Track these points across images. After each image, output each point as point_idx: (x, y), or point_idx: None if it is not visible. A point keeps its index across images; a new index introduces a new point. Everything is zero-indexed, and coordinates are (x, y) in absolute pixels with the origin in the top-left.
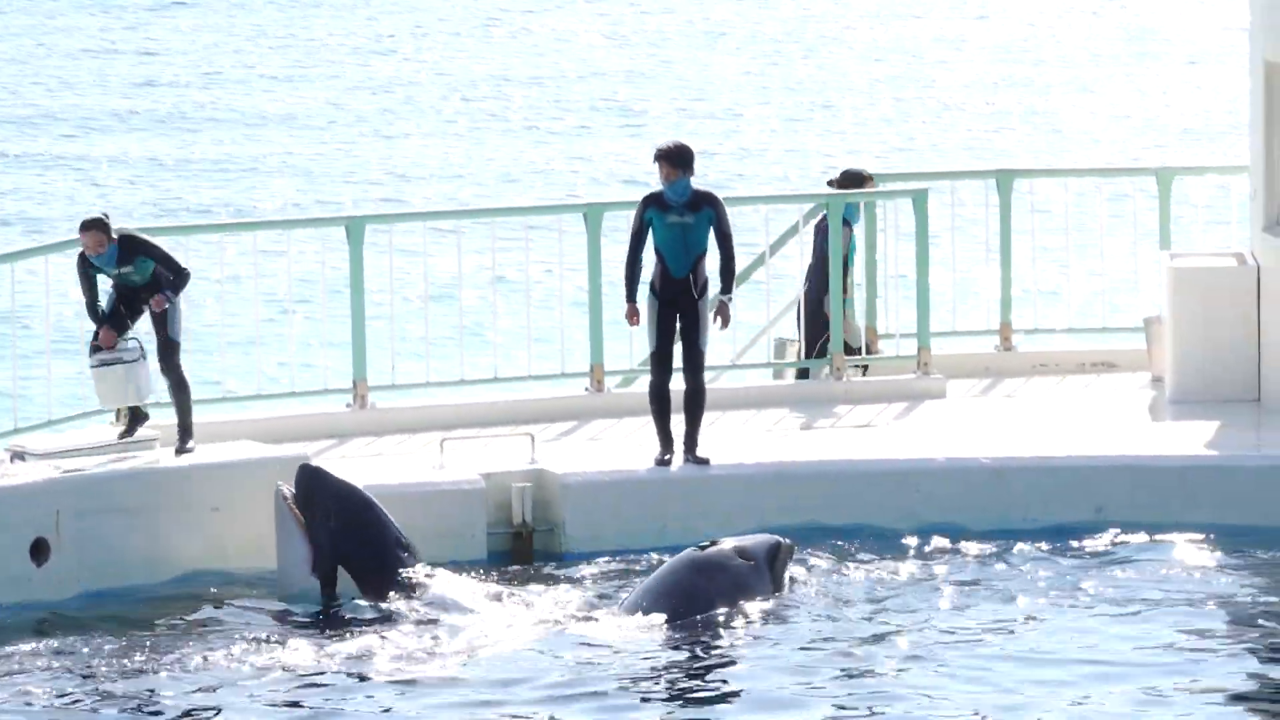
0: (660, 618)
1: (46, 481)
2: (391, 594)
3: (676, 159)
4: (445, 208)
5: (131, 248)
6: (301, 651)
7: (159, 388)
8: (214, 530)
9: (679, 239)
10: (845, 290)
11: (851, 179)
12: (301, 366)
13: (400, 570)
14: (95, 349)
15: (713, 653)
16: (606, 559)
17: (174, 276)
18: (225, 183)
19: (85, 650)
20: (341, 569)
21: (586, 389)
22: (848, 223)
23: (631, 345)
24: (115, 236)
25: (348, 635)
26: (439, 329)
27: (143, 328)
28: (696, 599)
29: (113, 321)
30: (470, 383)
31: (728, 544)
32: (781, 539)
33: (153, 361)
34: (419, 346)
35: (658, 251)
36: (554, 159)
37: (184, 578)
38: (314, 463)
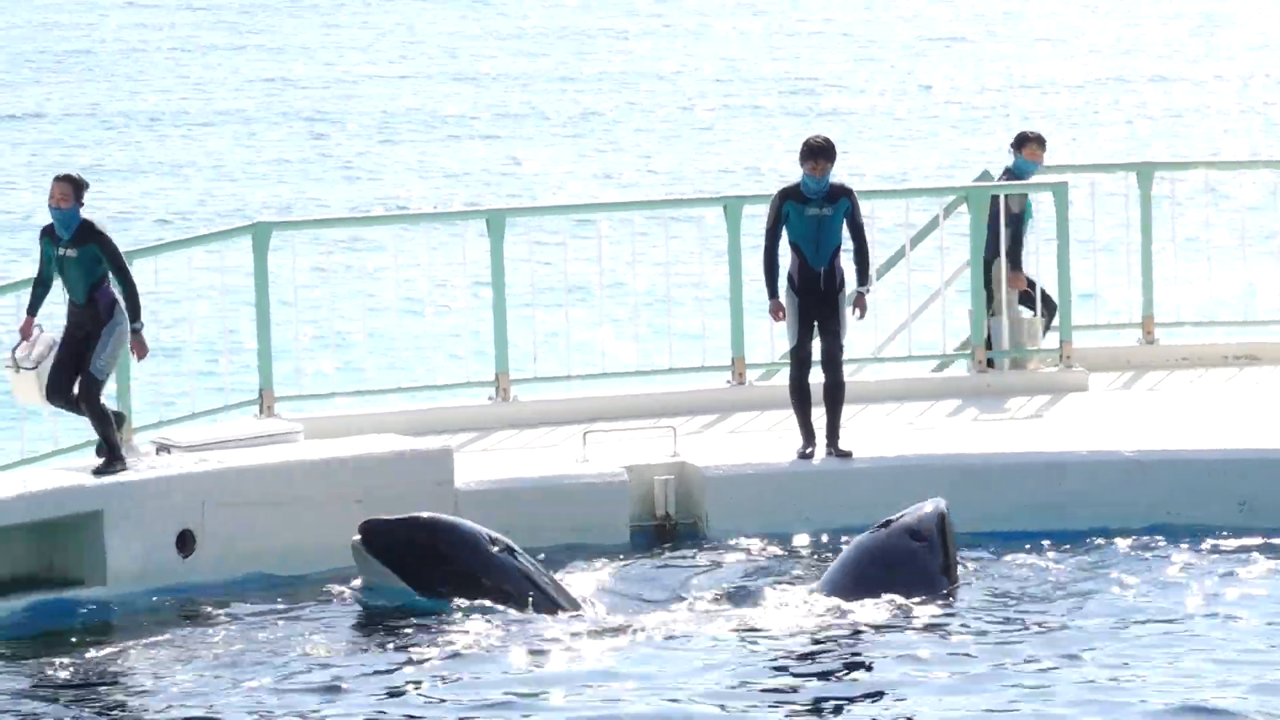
0: (849, 608)
1: (192, 474)
2: (519, 598)
3: (829, 153)
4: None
5: (88, 231)
6: (454, 644)
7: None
8: (357, 523)
9: (816, 232)
10: (1021, 261)
11: (1021, 139)
12: (444, 359)
13: (512, 572)
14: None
15: (896, 646)
16: (749, 551)
17: (125, 289)
18: (358, 180)
19: (227, 641)
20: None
21: (728, 382)
22: (1015, 174)
23: (773, 338)
24: (83, 206)
25: (508, 632)
26: (580, 322)
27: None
28: (884, 588)
29: (62, 359)
30: (612, 375)
31: (909, 517)
32: (942, 506)
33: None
34: (561, 339)
35: (795, 245)
36: (689, 154)
37: (326, 570)
38: (369, 519)
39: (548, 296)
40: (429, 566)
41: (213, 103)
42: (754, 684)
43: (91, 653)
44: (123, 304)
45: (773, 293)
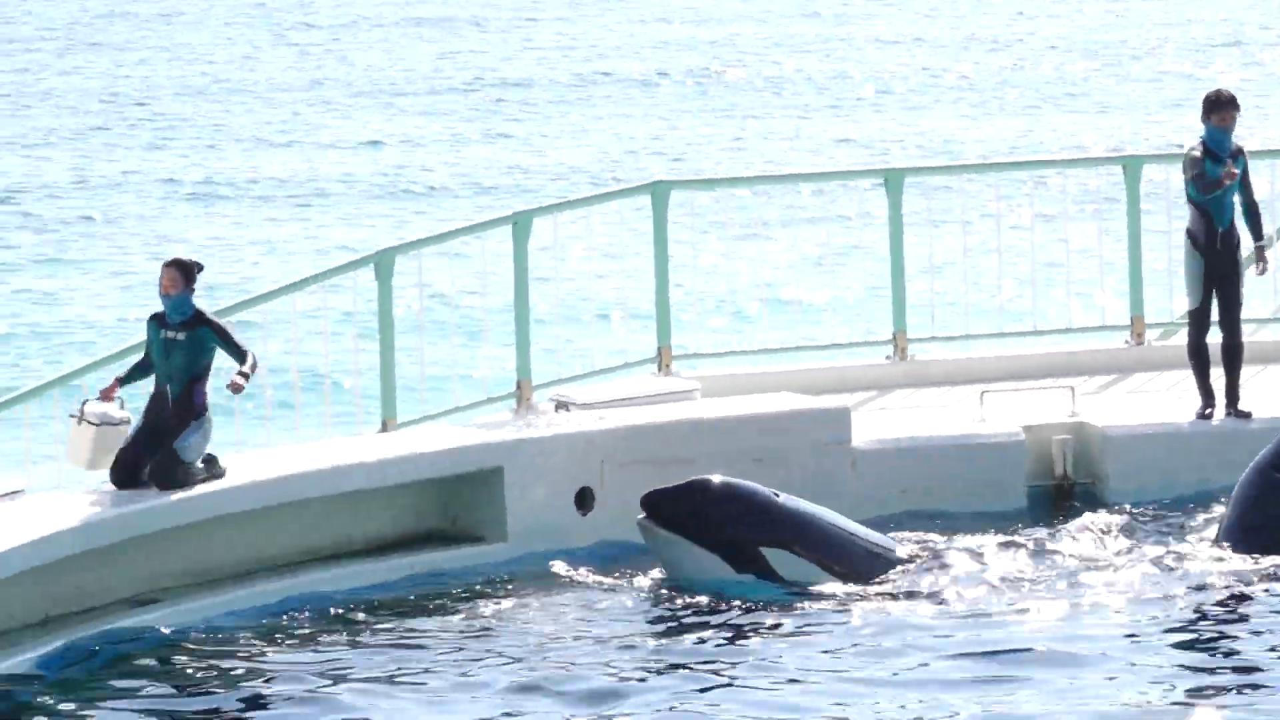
0: (1238, 562)
1: (591, 432)
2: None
3: (1236, 104)
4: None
5: (200, 318)
6: (779, 612)
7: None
8: (755, 480)
9: (1227, 190)
10: None
11: None
12: (841, 318)
13: (823, 526)
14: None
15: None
16: (1149, 512)
17: (241, 357)
18: (754, 139)
19: (618, 599)
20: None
21: (1126, 342)
22: None
23: (1171, 297)
24: (195, 291)
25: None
26: (978, 280)
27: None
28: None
29: (139, 442)
30: (1009, 335)
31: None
32: None
33: None
34: (959, 298)
35: (1201, 204)
36: (1087, 115)
37: None
38: (651, 490)
39: (946, 255)
40: (723, 525)
41: (606, 62)
42: (1118, 648)
43: (489, 608)
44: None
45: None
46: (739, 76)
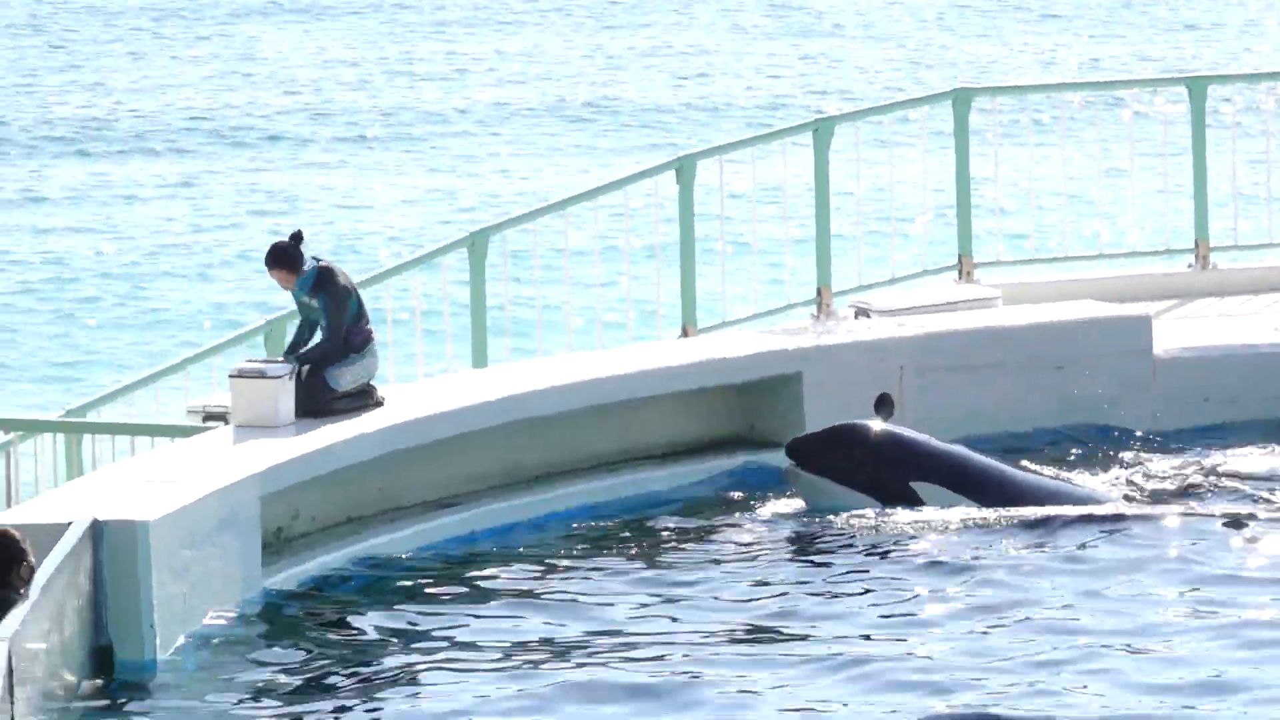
0: None
1: (891, 338)
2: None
3: None
4: None
5: (324, 279)
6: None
7: None
8: (1055, 388)
9: None
10: None
11: None
12: (1144, 226)
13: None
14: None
15: None
16: None
17: (328, 337)
18: (1059, 43)
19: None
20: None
21: None
22: None
23: None
24: (304, 262)
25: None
26: None
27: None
28: None
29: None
30: None
31: None
32: None
33: None
34: (1262, 204)
35: None
36: None
37: (1026, 434)
38: (795, 437)
39: (1250, 159)
40: (871, 466)
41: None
42: None
43: (789, 515)
44: (365, 343)
45: None
46: None
